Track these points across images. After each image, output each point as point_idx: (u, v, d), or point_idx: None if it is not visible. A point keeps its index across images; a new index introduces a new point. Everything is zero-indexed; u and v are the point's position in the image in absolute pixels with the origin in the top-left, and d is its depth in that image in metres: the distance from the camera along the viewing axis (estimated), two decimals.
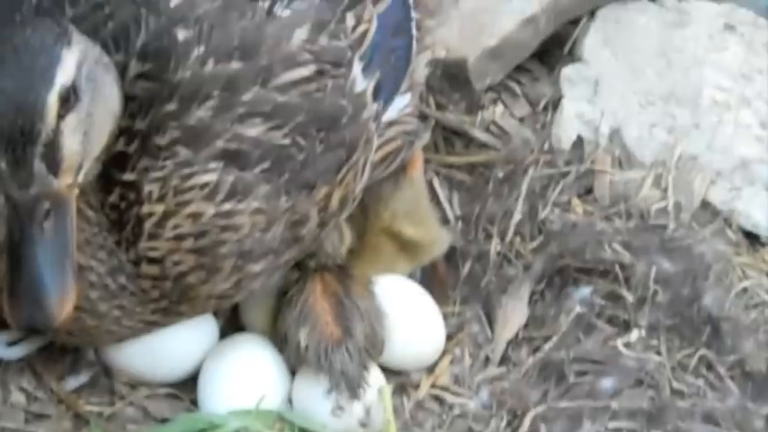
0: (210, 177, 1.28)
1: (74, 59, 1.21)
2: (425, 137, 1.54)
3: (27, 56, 1.19)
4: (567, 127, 1.66)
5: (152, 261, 1.30)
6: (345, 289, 1.46)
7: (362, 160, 1.39)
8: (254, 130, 1.29)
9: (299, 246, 1.36)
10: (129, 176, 1.29)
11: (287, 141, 1.31)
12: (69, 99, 1.20)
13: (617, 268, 1.50)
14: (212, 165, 1.28)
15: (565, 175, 1.62)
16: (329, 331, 1.42)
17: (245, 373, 1.42)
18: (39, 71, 1.19)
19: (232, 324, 1.51)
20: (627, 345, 1.44)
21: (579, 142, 1.64)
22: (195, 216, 1.29)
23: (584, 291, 1.51)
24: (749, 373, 1.41)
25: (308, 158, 1.32)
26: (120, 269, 1.31)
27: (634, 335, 1.45)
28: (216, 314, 1.48)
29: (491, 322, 1.54)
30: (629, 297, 1.48)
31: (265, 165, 1.30)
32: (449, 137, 1.72)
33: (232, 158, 1.29)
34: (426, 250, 1.57)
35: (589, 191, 1.61)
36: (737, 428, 1.37)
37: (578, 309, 1.49)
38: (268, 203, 1.30)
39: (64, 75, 1.20)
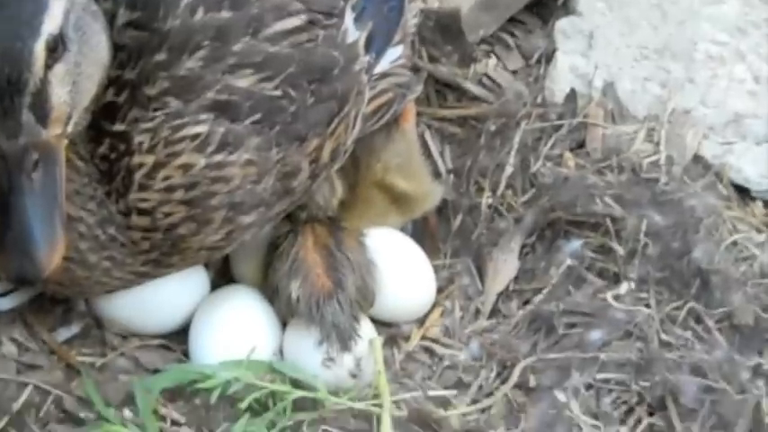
0: (201, 129, 1.28)
1: (61, 7, 1.20)
2: (418, 89, 1.53)
3: (13, 3, 1.18)
4: (561, 80, 1.66)
5: (142, 212, 1.30)
6: (336, 241, 1.46)
7: (354, 112, 1.39)
8: (244, 81, 1.29)
9: (289, 198, 1.36)
10: (118, 127, 1.29)
11: (278, 93, 1.30)
12: (57, 48, 1.19)
13: (608, 221, 1.50)
14: (203, 116, 1.28)
15: (557, 128, 1.62)
16: (320, 283, 1.43)
17: (236, 325, 1.43)
18: (25, 19, 1.17)
19: (223, 276, 1.52)
20: (616, 297, 1.45)
21: (572, 96, 1.64)
22: (186, 167, 1.28)
23: (575, 244, 1.51)
24: (737, 325, 1.42)
25: (298, 110, 1.32)
26: (109, 220, 1.30)
27: (623, 287, 1.46)
28: (207, 266, 1.49)
29: (482, 275, 1.54)
30: (620, 250, 1.48)
31: (256, 116, 1.29)
32: (441, 90, 1.72)
33: (223, 110, 1.28)
34: (418, 203, 1.57)
35: (581, 144, 1.61)
36: (724, 380, 1.37)
37: (569, 261, 1.50)
38: (259, 155, 1.30)
39: (51, 23, 1.19)
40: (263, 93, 1.29)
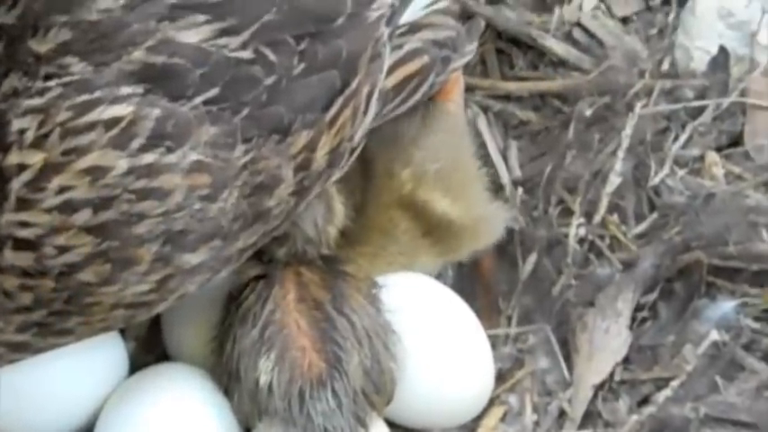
0: (122, 110, 1.28)
1: None
2: (469, 51, 1.54)
3: None
4: (703, 33, 1.68)
5: (22, 245, 1.30)
6: (334, 296, 1.48)
7: (367, 88, 1.40)
8: (193, 33, 1.30)
9: (262, 225, 1.37)
10: None
11: (247, 54, 1.32)
12: None
13: None
14: (125, 89, 1.29)
15: (696, 113, 1.63)
16: (307, 362, 1.44)
17: (169, 429, 1.44)
18: None
19: (149, 349, 1.53)
20: None
21: (722, 59, 1.66)
22: (95, 173, 1.29)
23: (726, 306, 1.53)
24: None
25: (280, 84, 1.33)
26: None
27: None
28: (124, 333, 1.49)
29: (568, 354, 1.55)
30: None
31: (212, 92, 1.30)
32: (506, 49, 1.73)
33: (157, 80, 1.29)
34: (467, 237, 1.59)
35: (736, 141, 1.62)
36: None
37: (714, 335, 1.51)
38: (215, 155, 1.31)
39: None
40: (222, 54, 1.31)
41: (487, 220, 1.60)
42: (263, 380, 1.44)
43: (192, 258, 1.34)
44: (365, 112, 1.41)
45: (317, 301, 1.48)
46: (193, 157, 1.30)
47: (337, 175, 1.42)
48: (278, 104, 1.33)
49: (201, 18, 1.30)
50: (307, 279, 1.49)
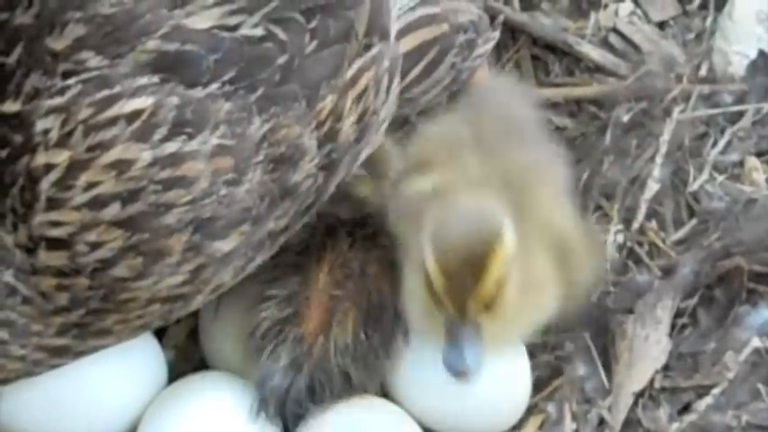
0: (142, 102, 1.28)
1: None
2: (492, 37, 1.53)
3: None
4: (741, 37, 1.68)
5: (55, 244, 1.30)
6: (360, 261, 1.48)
7: (388, 60, 1.39)
8: (204, 18, 1.30)
9: (291, 201, 1.37)
10: (10, 107, 1.29)
11: (258, 35, 1.31)
12: None
13: None
14: (142, 80, 1.28)
15: (735, 118, 1.63)
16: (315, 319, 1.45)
17: None
18: None
19: (188, 357, 1.54)
20: None
21: (761, 63, 1.66)
22: (121, 167, 1.28)
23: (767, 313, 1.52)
24: None
25: (292, 63, 1.33)
26: (3, 260, 1.31)
27: None
28: (161, 339, 1.50)
29: (608, 362, 1.54)
30: None
31: (228, 74, 1.30)
32: (541, 55, 1.74)
33: (173, 68, 1.29)
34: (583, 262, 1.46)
35: None
36: None
37: (756, 342, 1.51)
38: (233, 134, 1.30)
39: None
40: (234, 38, 1.30)
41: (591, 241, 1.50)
42: (265, 318, 1.46)
43: (223, 246, 1.34)
44: (389, 84, 1.41)
45: (344, 266, 1.48)
46: (215, 141, 1.30)
47: (367, 151, 1.42)
48: (291, 83, 1.33)
49: (210, 2, 1.31)
50: (342, 238, 1.49)
